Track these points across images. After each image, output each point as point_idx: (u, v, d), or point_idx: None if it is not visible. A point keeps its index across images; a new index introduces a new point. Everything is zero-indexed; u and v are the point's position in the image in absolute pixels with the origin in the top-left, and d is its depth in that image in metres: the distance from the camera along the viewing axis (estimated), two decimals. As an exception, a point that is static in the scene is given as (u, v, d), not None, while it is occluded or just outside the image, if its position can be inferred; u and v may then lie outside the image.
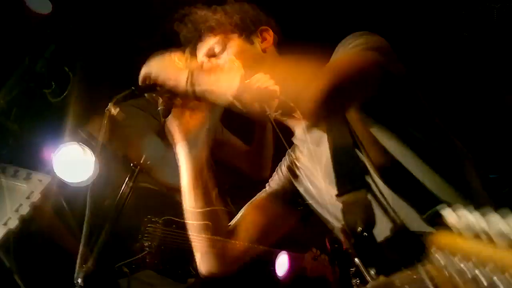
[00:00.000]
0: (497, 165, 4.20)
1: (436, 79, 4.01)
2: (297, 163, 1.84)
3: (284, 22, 1.97)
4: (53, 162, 3.36)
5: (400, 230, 1.39)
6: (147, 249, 2.83)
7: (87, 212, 1.19)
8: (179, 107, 1.65)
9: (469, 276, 0.76)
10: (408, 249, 1.30)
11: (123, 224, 1.25)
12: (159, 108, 1.56)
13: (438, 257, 0.85)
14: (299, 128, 1.79)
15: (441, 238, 0.87)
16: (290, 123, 1.80)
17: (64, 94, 3.39)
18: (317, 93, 1.29)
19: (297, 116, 1.48)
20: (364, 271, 1.34)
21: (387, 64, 1.46)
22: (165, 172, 3.01)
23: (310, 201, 1.83)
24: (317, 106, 1.31)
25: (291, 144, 1.88)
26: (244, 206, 1.94)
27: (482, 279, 0.74)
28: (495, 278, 0.72)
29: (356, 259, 1.38)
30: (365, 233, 1.40)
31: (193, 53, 1.86)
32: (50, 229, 3.72)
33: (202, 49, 1.84)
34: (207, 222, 1.77)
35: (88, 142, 3.46)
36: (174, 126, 1.69)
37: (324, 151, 1.61)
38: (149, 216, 2.85)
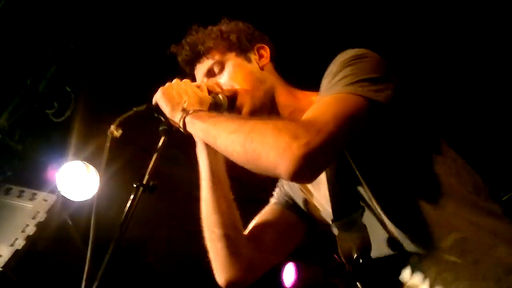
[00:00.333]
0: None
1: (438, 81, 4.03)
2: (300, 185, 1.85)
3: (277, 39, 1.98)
4: (58, 181, 3.39)
5: (396, 252, 1.38)
6: None
7: (91, 232, 1.21)
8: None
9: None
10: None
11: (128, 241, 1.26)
12: (160, 128, 1.59)
13: None
14: None
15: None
16: None
17: (67, 114, 3.42)
18: (299, 154, 1.21)
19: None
20: None
21: (375, 94, 1.39)
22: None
23: (307, 210, 1.85)
24: (299, 168, 1.22)
25: None
26: (256, 216, 1.96)
27: None
28: None
29: (357, 283, 1.38)
30: (360, 260, 1.39)
31: (192, 75, 1.89)
32: (57, 247, 3.74)
33: (201, 70, 1.86)
34: (226, 228, 1.78)
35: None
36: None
37: (322, 177, 1.61)
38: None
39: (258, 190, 1.97)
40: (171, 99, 1.58)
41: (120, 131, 1.43)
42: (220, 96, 1.71)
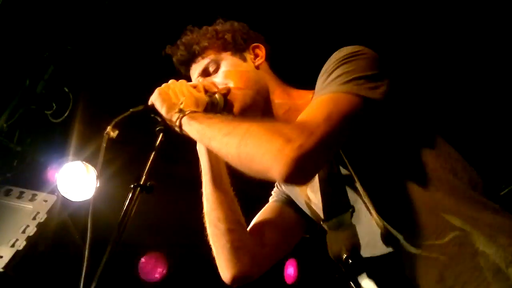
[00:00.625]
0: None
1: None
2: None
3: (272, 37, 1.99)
4: (57, 181, 3.40)
5: (392, 250, 1.38)
6: None
7: (88, 234, 1.22)
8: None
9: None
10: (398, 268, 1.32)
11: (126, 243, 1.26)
12: (157, 129, 1.60)
13: None
14: None
15: None
16: None
17: (65, 115, 3.43)
18: (292, 157, 1.21)
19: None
20: None
21: (371, 92, 1.38)
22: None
23: (304, 209, 1.86)
24: (292, 171, 1.21)
25: None
26: (257, 214, 1.97)
27: None
28: None
29: (350, 283, 1.39)
30: (350, 261, 1.39)
31: (187, 75, 1.89)
32: (57, 248, 3.75)
33: (197, 70, 1.86)
34: (230, 223, 1.78)
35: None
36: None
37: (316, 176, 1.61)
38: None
39: (257, 189, 1.97)
40: (167, 100, 1.59)
41: (116, 132, 1.43)
42: (217, 95, 1.72)
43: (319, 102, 1.38)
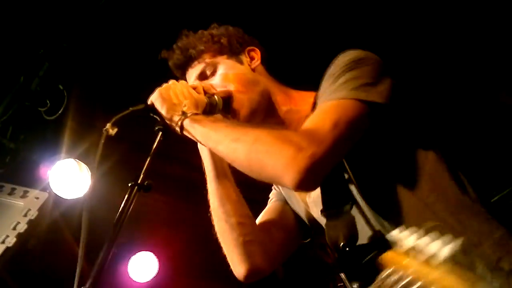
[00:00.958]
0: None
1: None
2: None
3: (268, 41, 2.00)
4: (50, 179, 3.39)
5: (380, 243, 1.39)
6: None
7: (82, 232, 1.22)
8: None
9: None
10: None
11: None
12: (156, 128, 1.61)
13: (390, 275, 0.92)
14: None
15: (395, 257, 0.95)
16: None
17: (59, 112, 3.41)
18: (304, 166, 1.26)
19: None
20: (348, 285, 1.37)
21: (377, 97, 1.41)
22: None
23: (299, 213, 1.87)
24: (304, 179, 1.27)
25: None
26: (262, 213, 1.97)
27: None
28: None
29: (341, 274, 1.40)
30: (347, 248, 1.40)
31: (183, 79, 1.89)
32: (48, 245, 3.73)
33: (193, 74, 1.87)
34: (240, 217, 1.79)
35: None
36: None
37: None
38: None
39: (258, 190, 1.98)
40: (168, 100, 1.61)
41: (115, 130, 1.44)
42: (216, 97, 1.73)
43: (326, 108, 1.41)
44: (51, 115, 3.41)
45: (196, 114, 1.57)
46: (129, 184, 1.36)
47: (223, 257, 1.85)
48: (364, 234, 1.47)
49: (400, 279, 0.91)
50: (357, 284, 1.35)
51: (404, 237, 0.96)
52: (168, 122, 1.59)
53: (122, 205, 1.30)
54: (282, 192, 1.95)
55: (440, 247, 0.92)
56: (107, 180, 3.25)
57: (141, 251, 4.67)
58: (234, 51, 1.87)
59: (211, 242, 1.88)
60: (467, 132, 4.38)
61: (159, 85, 1.70)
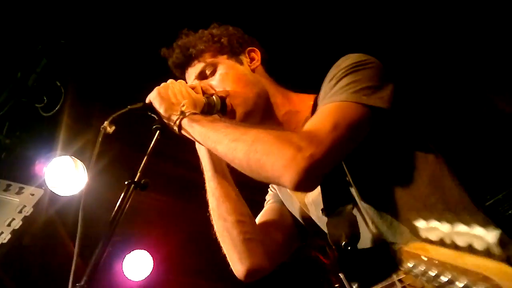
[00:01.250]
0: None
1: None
2: None
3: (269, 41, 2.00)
4: (45, 175, 3.38)
5: (382, 244, 1.40)
6: None
7: (79, 229, 1.22)
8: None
9: (441, 283, 0.82)
10: (390, 263, 1.33)
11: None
12: (153, 127, 1.61)
13: (412, 266, 0.90)
14: None
15: (415, 248, 0.94)
16: None
17: (56, 108, 3.41)
18: (303, 167, 1.27)
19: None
20: (347, 285, 1.37)
21: (378, 102, 1.41)
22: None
23: (296, 215, 1.87)
24: (303, 179, 1.27)
25: None
26: (260, 214, 1.98)
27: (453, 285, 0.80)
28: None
29: (340, 274, 1.40)
30: (349, 247, 1.41)
31: (182, 78, 1.89)
32: (43, 242, 3.72)
33: (193, 73, 1.87)
34: (240, 215, 1.79)
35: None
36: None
37: None
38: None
39: (256, 190, 1.99)
40: (166, 99, 1.61)
41: (113, 128, 1.45)
42: (214, 97, 1.74)
43: (327, 110, 1.41)
44: (48, 112, 3.41)
45: (195, 113, 1.57)
46: (126, 182, 1.36)
47: (218, 256, 1.85)
48: (364, 236, 1.47)
49: (429, 269, 0.89)
50: (357, 285, 1.35)
51: (431, 227, 0.93)
52: (166, 121, 1.60)
53: (118, 203, 1.30)
54: (279, 193, 1.95)
55: (476, 238, 0.90)
56: (102, 177, 3.25)
57: (135, 249, 4.67)
58: (234, 51, 1.88)
59: (206, 241, 1.88)
60: (461, 136, 4.40)
61: (157, 83, 1.70)
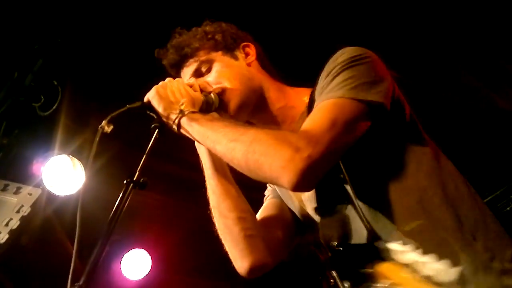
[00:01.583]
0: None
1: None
2: None
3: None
4: (43, 175, 3.38)
5: (374, 241, 1.40)
6: None
7: (77, 228, 1.21)
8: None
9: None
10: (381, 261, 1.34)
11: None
12: (152, 126, 1.60)
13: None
14: None
15: (387, 269, 0.97)
16: None
17: (53, 108, 3.40)
18: (301, 167, 1.27)
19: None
20: (340, 284, 1.38)
21: (375, 97, 1.41)
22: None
23: (294, 210, 1.87)
24: (301, 180, 1.28)
25: None
26: (260, 210, 1.98)
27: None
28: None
29: (333, 272, 1.41)
30: (340, 248, 1.41)
31: (178, 77, 1.88)
32: (41, 242, 3.72)
33: (189, 72, 1.87)
34: (241, 212, 1.79)
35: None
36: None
37: None
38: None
39: (256, 189, 1.99)
40: (165, 98, 1.61)
41: (111, 127, 1.44)
42: (212, 95, 1.74)
43: (324, 107, 1.41)
44: (45, 111, 3.40)
45: (194, 112, 1.57)
46: (125, 181, 1.36)
47: (216, 255, 1.85)
48: (358, 234, 1.47)
49: None
50: (349, 284, 1.35)
51: (404, 251, 0.98)
52: (165, 120, 1.59)
53: (117, 202, 1.29)
54: (277, 189, 1.95)
55: (439, 271, 0.97)
56: (100, 176, 3.24)
57: (134, 248, 4.66)
58: (229, 47, 1.87)
59: (204, 239, 1.88)
60: (460, 133, 4.41)
61: (154, 81, 1.70)
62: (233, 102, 1.76)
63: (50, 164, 3.40)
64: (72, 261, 1.14)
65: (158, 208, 4.66)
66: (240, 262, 1.78)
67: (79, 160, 3.48)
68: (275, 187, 1.96)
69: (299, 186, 1.30)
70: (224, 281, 4.87)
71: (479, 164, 4.26)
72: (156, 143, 1.57)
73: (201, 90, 1.74)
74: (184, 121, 1.55)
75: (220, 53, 1.86)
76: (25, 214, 2.90)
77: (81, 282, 1.07)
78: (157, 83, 1.69)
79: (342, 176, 1.49)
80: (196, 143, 1.83)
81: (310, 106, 1.58)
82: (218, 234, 1.84)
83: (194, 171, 1.92)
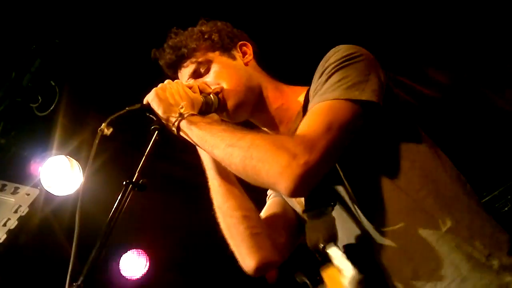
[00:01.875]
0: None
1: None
2: None
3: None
4: (41, 175, 3.38)
5: (364, 242, 1.43)
6: None
7: (76, 228, 1.21)
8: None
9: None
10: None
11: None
12: (151, 128, 1.60)
13: None
14: None
15: (328, 275, 1.01)
16: None
17: (51, 108, 3.40)
18: (298, 174, 1.27)
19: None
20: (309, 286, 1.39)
21: (370, 96, 1.40)
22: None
23: (295, 209, 1.88)
24: (298, 186, 1.28)
25: None
26: (264, 208, 1.98)
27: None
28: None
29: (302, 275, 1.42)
30: (326, 250, 1.40)
31: (175, 77, 1.88)
32: (38, 242, 3.72)
33: (187, 72, 1.87)
34: (246, 210, 1.80)
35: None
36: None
37: None
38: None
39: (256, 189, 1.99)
40: (165, 101, 1.61)
41: (110, 130, 1.44)
42: (211, 96, 1.74)
43: (319, 110, 1.41)
44: (43, 111, 3.40)
45: (193, 115, 1.57)
46: (124, 183, 1.36)
47: (214, 255, 1.85)
48: (347, 235, 1.49)
49: None
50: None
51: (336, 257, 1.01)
52: (164, 122, 1.59)
53: (116, 203, 1.29)
54: None
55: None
56: (98, 177, 3.24)
57: (132, 248, 4.66)
58: (226, 47, 1.87)
59: (202, 239, 1.88)
60: (458, 132, 4.42)
61: (152, 82, 1.69)
62: (233, 102, 1.76)
63: (48, 164, 3.40)
64: (71, 261, 1.14)
65: (156, 209, 4.66)
66: (247, 261, 1.78)
67: (77, 160, 3.48)
68: None
69: (296, 192, 1.31)
70: (222, 281, 4.88)
71: (478, 164, 4.26)
72: (155, 145, 1.57)
73: (200, 92, 1.73)
74: (183, 124, 1.55)
75: (217, 53, 1.86)
76: (23, 214, 2.90)
77: (79, 282, 1.08)
78: (156, 85, 1.68)
79: (336, 176, 1.50)
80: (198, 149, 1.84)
81: (305, 106, 1.58)
82: (218, 234, 1.84)
83: (192, 172, 1.92)
